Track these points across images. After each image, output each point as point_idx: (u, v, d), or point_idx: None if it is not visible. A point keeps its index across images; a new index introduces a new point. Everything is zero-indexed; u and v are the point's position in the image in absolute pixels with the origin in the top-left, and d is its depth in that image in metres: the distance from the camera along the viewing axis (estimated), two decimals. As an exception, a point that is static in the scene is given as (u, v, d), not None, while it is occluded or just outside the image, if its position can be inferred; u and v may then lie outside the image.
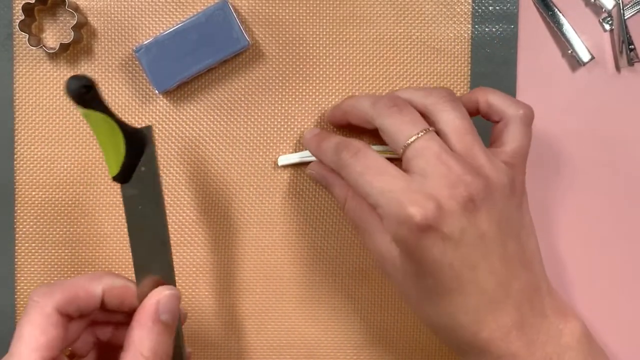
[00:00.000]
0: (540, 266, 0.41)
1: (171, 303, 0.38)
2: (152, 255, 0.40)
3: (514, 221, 0.40)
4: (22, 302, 0.49)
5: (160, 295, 0.38)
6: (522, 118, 0.42)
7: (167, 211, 0.49)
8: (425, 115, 0.41)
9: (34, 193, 0.49)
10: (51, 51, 0.46)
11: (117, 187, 0.48)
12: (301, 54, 0.48)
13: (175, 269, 0.49)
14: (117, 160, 0.38)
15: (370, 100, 0.42)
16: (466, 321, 0.39)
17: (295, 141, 0.49)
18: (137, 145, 0.38)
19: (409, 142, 0.39)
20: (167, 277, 0.40)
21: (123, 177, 0.39)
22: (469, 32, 0.48)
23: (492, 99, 0.42)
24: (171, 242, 0.49)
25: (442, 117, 0.40)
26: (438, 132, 0.40)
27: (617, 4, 0.47)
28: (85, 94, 0.36)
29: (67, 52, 0.48)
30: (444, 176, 0.38)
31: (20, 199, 0.48)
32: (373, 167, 0.39)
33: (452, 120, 0.40)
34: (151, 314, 0.37)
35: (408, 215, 0.37)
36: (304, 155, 0.48)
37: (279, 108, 0.49)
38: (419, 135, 0.39)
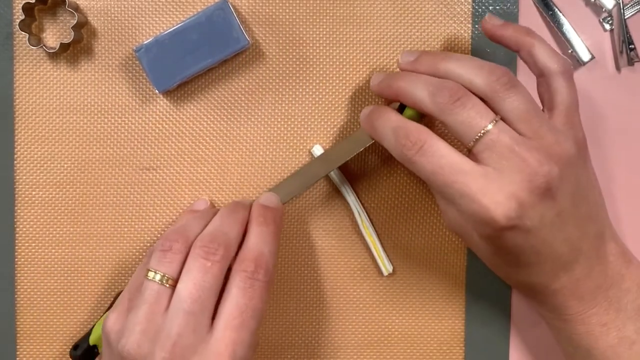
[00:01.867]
0: (604, 213, 0.43)
1: (271, 197, 0.45)
2: None
3: (583, 182, 0.41)
4: (22, 302, 0.49)
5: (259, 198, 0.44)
6: (564, 74, 0.41)
7: (168, 210, 0.49)
8: (483, 97, 0.40)
9: (34, 193, 0.48)
10: (51, 51, 0.46)
11: (117, 188, 0.48)
12: (301, 54, 0.48)
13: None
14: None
15: (427, 90, 0.40)
16: (541, 280, 0.41)
17: (295, 141, 0.49)
18: None
19: (479, 135, 0.38)
20: None
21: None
22: (469, 32, 0.48)
23: (537, 52, 0.42)
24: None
25: (506, 105, 0.39)
26: (503, 119, 0.39)
27: (617, 4, 0.47)
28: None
29: (67, 51, 0.48)
30: (521, 170, 0.38)
31: (20, 198, 0.48)
32: (445, 165, 0.38)
33: (517, 108, 0.39)
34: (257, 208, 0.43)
35: (493, 219, 0.38)
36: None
37: (279, 108, 0.49)
38: (488, 128, 0.38)
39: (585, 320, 0.42)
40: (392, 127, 0.41)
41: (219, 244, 0.40)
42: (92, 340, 0.45)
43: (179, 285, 0.39)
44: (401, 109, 0.43)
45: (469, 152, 0.39)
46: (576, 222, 0.40)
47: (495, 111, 0.40)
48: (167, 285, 0.39)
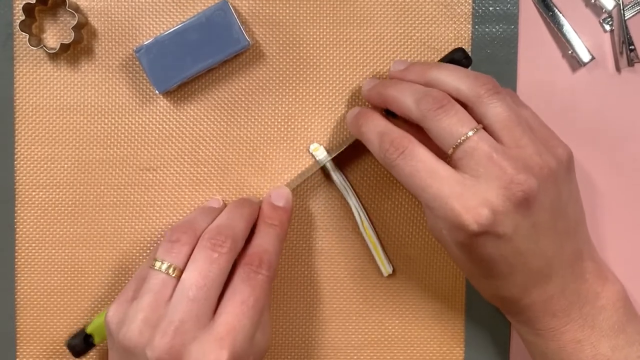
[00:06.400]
0: (584, 229, 0.43)
1: (283, 193, 0.45)
2: None
3: (564, 197, 0.41)
4: (22, 302, 0.49)
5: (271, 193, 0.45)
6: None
7: (168, 210, 0.49)
8: (467, 106, 0.40)
9: (34, 193, 0.49)
10: (51, 51, 0.46)
11: (117, 188, 0.48)
12: (301, 54, 0.48)
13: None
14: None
15: (413, 97, 0.41)
16: (513, 293, 0.41)
17: (295, 141, 0.49)
18: None
19: (459, 142, 0.39)
20: None
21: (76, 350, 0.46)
22: (469, 32, 0.48)
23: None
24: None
25: (489, 111, 0.40)
26: (485, 127, 0.40)
27: (617, 5, 0.47)
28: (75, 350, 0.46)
29: (68, 52, 0.48)
30: (497, 178, 0.38)
31: (20, 199, 0.48)
32: (422, 169, 0.39)
33: (499, 114, 0.39)
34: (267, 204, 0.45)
35: (463, 223, 0.38)
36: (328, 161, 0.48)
37: (279, 108, 0.49)
38: (468, 135, 0.39)
39: (559, 337, 0.41)
40: (377, 131, 0.41)
41: (226, 236, 0.41)
42: (89, 329, 0.45)
43: (184, 275, 0.40)
44: (388, 111, 0.44)
45: (449, 158, 0.39)
46: (553, 236, 0.40)
47: (478, 118, 0.40)
48: (173, 275, 0.40)
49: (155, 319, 0.39)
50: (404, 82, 0.43)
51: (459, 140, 0.39)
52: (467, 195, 0.38)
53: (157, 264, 0.41)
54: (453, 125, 0.39)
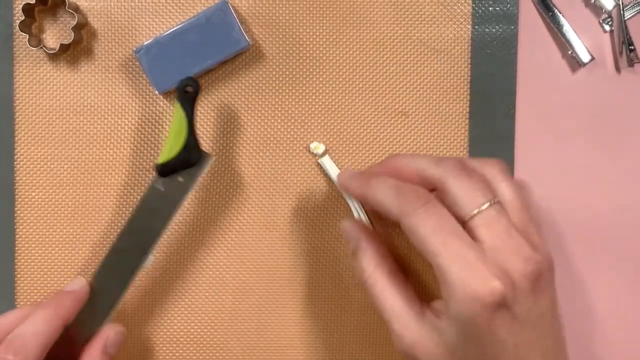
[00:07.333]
0: (565, 351, 0.40)
1: (118, 339, 0.44)
2: (123, 265, 0.45)
3: (554, 304, 0.39)
4: (22, 303, 0.49)
5: (109, 332, 0.44)
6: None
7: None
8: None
9: (34, 193, 0.49)
10: (51, 52, 0.46)
11: (117, 188, 0.48)
12: (301, 55, 0.48)
13: (173, 270, 0.49)
14: (167, 155, 0.44)
15: (431, 159, 0.39)
16: None
17: (295, 141, 0.49)
18: (190, 157, 0.44)
19: (480, 210, 0.37)
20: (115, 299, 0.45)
21: (161, 170, 0.44)
22: (469, 32, 0.48)
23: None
24: (171, 242, 0.49)
25: (501, 189, 0.39)
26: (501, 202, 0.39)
27: (617, 5, 0.47)
28: (184, 92, 0.44)
29: (67, 52, 0.48)
30: (517, 252, 0.36)
31: (20, 199, 0.49)
32: (448, 226, 0.37)
33: (511, 194, 0.39)
34: (100, 348, 0.43)
35: (487, 289, 0.35)
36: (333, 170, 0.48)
37: (279, 108, 0.49)
38: (489, 204, 0.37)
39: None
40: (394, 184, 0.39)
41: (15, 352, 0.40)
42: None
43: None
44: None
45: (464, 225, 0.38)
46: (554, 340, 0.38)
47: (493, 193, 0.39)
48: None
49: None
50: (384, 182, 0.40)
51: (480, 208, 0.37)
52: (489, 262, 0.36)
53: None
54: (475, 190, 0.38)
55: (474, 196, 0.37)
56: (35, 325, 0.41)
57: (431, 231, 0.36)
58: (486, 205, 0.37)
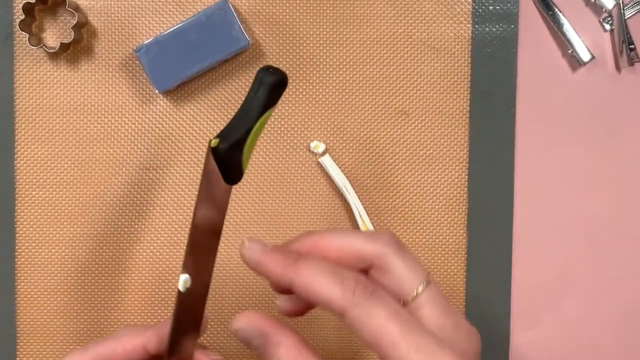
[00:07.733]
0: None
1: None
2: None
3: None
4: (22, 303, 0.49)
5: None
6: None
7: (168, 211, 0.49)
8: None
9: (34, 193, 0.48)
10: (51, 51, 0.46)
11: (117, 188, 0.48)
12: (301, 54, 0.48)
13: (173, 270, 0.49)
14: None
15: (361, 235, 0.36)
16: None
17: (295, 140, 0.49)
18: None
19: (423, 287, 0.35)
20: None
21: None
22: (469, 32, 0.48)
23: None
24: (171, 242, 0.49)
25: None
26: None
27: (617, 4, 0.47)
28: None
29: (68, 51, 0.48)
30: (459, 328, 0.35)
31: (20, 199, 0.48)
32: (401, 313, 0.33)
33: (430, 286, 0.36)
34: None
35: None
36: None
37: (279, 108, 0.49)
38: (429, 281, 0.35)
39: None
40: (329, 270, 0.34)
41: None
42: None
43: None
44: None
45: (406, 304, 0.35)
46: None
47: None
48: None
49: None
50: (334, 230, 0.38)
51: (423, 286, 0.35)
52: (444, 350, 0.33)
53: None
54: (417, 266, 0.35)
55: (416, 273, 0.35)
56: None
57: (384, 322, 0.33)
58: (426, 282, 0.35)
